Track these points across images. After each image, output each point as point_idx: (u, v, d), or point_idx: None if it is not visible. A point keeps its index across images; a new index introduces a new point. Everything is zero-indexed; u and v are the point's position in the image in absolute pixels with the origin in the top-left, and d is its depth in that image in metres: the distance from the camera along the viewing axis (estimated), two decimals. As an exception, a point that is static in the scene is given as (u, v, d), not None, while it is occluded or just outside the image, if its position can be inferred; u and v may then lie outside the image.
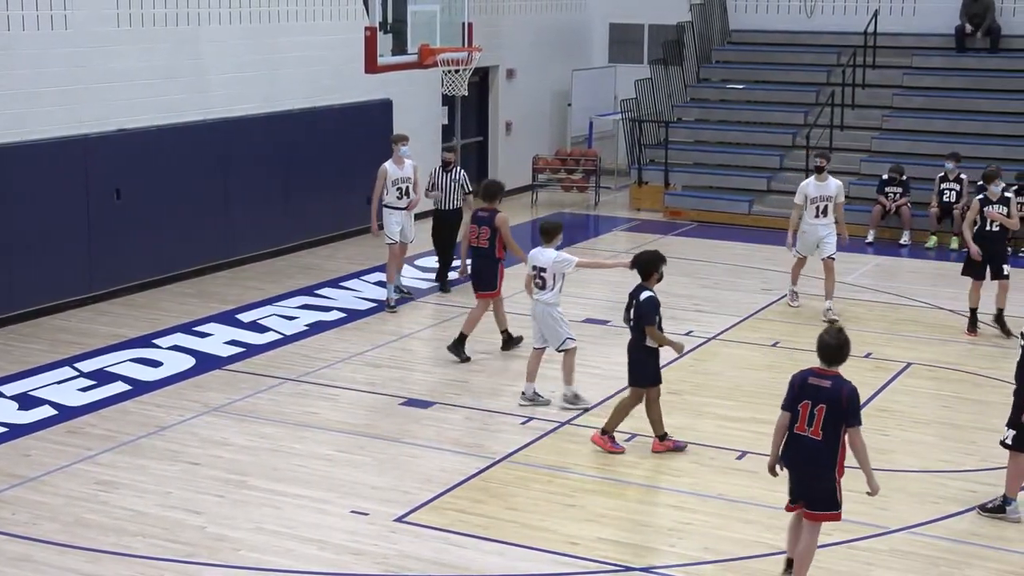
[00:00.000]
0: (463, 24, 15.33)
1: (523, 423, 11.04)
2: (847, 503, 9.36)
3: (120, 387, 11.91)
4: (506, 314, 13.20)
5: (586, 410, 11.29)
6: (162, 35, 15.43)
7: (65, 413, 11.20)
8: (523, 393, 11.50)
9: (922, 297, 15.52)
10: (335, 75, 17.91)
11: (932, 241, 18.65)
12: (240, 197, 16.62)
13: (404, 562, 8.42)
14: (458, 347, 12.85)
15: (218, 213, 16.36)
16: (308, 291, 15.57)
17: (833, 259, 14.37)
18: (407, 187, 14.71)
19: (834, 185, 14.47)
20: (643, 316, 10.15)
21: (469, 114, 21.97)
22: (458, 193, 15.16)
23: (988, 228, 13.61)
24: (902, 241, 18.80)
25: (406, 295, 15.27)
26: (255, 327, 13.97)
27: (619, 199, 22.25)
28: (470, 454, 10.31)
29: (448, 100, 20.10)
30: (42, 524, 8.93)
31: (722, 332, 13.92)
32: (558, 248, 11.35)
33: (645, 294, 10.19)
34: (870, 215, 18.98)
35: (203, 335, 13.64)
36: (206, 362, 12.71)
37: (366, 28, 13.71)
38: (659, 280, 10.31)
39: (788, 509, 8.01)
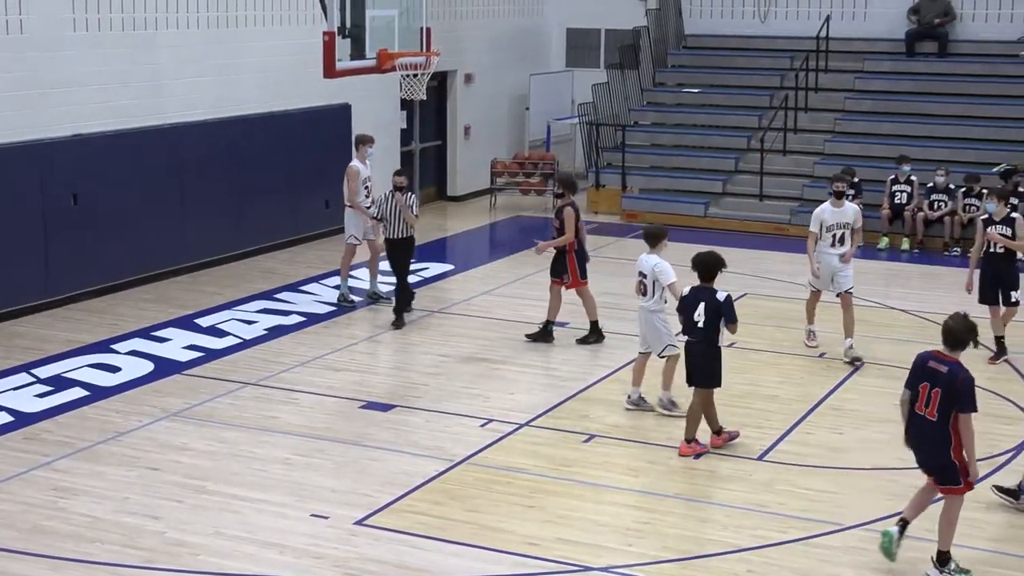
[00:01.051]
0: (421, 29, 15.38)
1: (482, 425, 11.11)
2: (802, 501, 9.58)
3: (78, 393, 11.87)
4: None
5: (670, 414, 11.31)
6: (118, 40, 15.38)
7: (22, 419, 11.14)
8: (628, 396, 11.54)
9: (874, 297, 15.71)
10: (293, 80, 17.91)
11: (884, 242, 18.91)
12: (198, 202, 16.58)
13: (364, 565, 8.46)
14: (595, 334, 13.59)
15: (176, 218, 16.32)
16: (267, 295, 15.57)
17: (850, 294, 13.20)
18: (370, 187, 14.92)
19: (851, 210, 13.26)
20: (729, 315, 10.29)
21: (428, 118, 22.03)
22: (405, 216, 14.17)
23: (992, 250, 12.97)
24: (855, 242, 19.01)
25: (382, 298, 15.24)
26: (214, 332, 13.96)
27: (577, 202, 22.30)
28: (430, 456, 10.37)
29: (407, 104, 20.13)
30: None
31: (679, 333, 14.01)
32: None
33: (723, 294, 10.33)
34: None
35: (162, 340, 13.61)
36: (165, 367, 12.69)
37: (324, 33, 13.73)
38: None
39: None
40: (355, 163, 14.93)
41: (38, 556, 8.53)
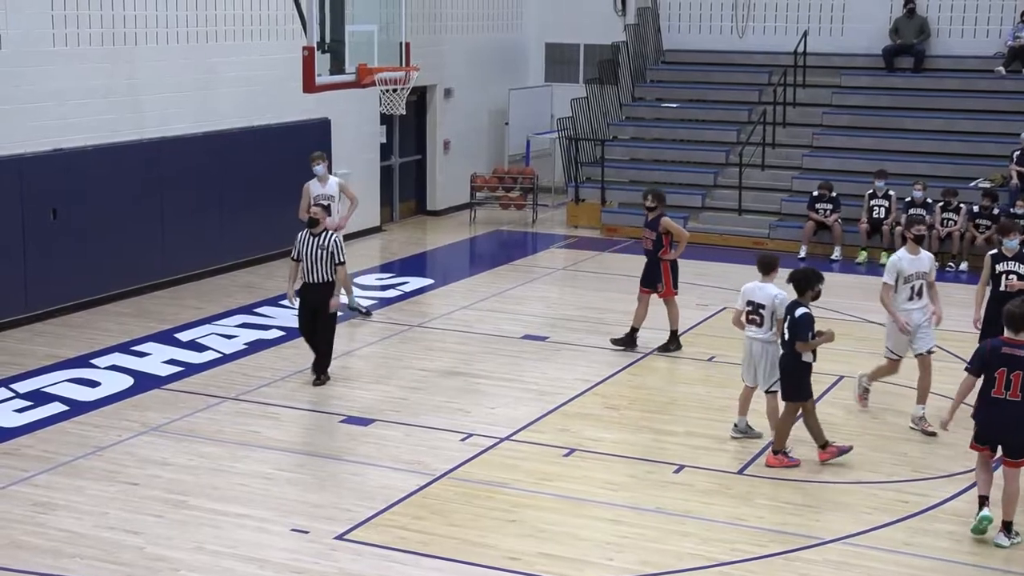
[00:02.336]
0: (401, 44, 15.43)
1: (463, 440, 11.12)
2: (781, 515, 9.62)
3: (57, 407, 11.82)
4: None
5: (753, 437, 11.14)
6: (98, 54, 15.36)
7: (1, 434, 11.09)
8: (735, 425, 11.24)
9: (853, 311, 15.81)
10: (273, 94, 17.92)
11: (862, 256, 19.03)
12: (177, 216, 16.56)
13: (345, 579, 8.47)
14: (676, 343, 13.93)
15: (155, 232, 16.29)
16: (247, 309, 15.54)
17: (932, 353, 11.63)
18: (328, 204, 14.31)
19: (928, 259, 11.63)
20: (798, 332, 10.29)
21: (407, 133, 22.06)
22: (326, 262, 12.47)
23: (1003, 288, 11.74)
24: (833, 256, 19.15)
25: (364, 313, 15.21)
26: (194, 346, 13.93)
27: (556, 216, 22.44)
28: (410, 471, 10.37)
29: (386, 119, 20.17)
30: (-22, 547, 8.87)
31: (659, 347, 14.09)
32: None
33: (801, 310, 10.34)
34: (802, 231, 19.33)
35: (141, 355, 13.57)
36: (144, 382, 12.66)
37: (304, 48, 13.75)
38: (815, 298, 10.52)
39: (973, 447, 9.19)
40: (308, 183, 14.66)
41: (17, 572, 8.48)
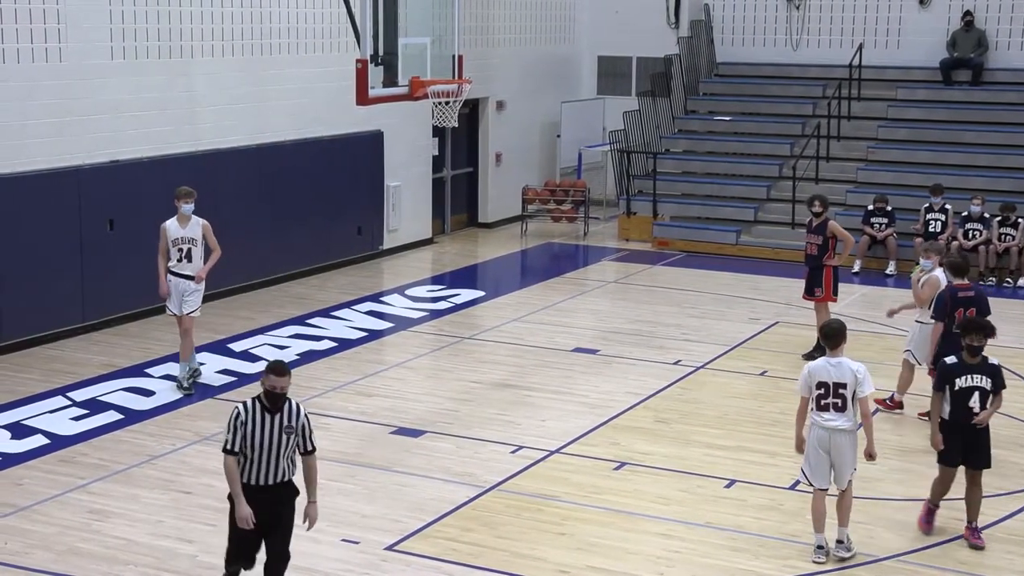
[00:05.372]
0: (453, 56, 15.46)
1: (513, 452, 11.11)
2: (835, 531, 9.50)
3: (112, 416, 11.96)
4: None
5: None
6: (154, 67, 15.55)
7: (57, 442, 11.25)
8: (820, 547, 9.04)
9: (908, 327, 15.60)
10: (326, 107, 18.05)
11: (918, 271, 18.79)
12: (231, 228, 16.59)
13: (395, 590, 8.48)
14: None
15: (209, 243, 16.42)
16: (299, 321, 15.64)
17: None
18: (188, 249, 12.64)
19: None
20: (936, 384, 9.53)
21: (459, 145, 22.13)
22: (290, 450, 7.92)
23: None
24: (888, 271, 18.97)
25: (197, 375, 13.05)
26: (247, 356, 14.04)
27: (608, 229, 22.40)
28: (460, 483, 10.38)
29: (438, 131, 20.25)
30: (34, 553, 8.97)
31: (710, 361, 14.03)
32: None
33: (951, 359, 9.37)
34: (856, 245, 19.14)
35: (195, 365, 13.70)
36: (198, 391, 12.76)
37: (357, 60, 13.83)
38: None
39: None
40: (166, 222, 12.71)
41: (72, 578, 8.60)
